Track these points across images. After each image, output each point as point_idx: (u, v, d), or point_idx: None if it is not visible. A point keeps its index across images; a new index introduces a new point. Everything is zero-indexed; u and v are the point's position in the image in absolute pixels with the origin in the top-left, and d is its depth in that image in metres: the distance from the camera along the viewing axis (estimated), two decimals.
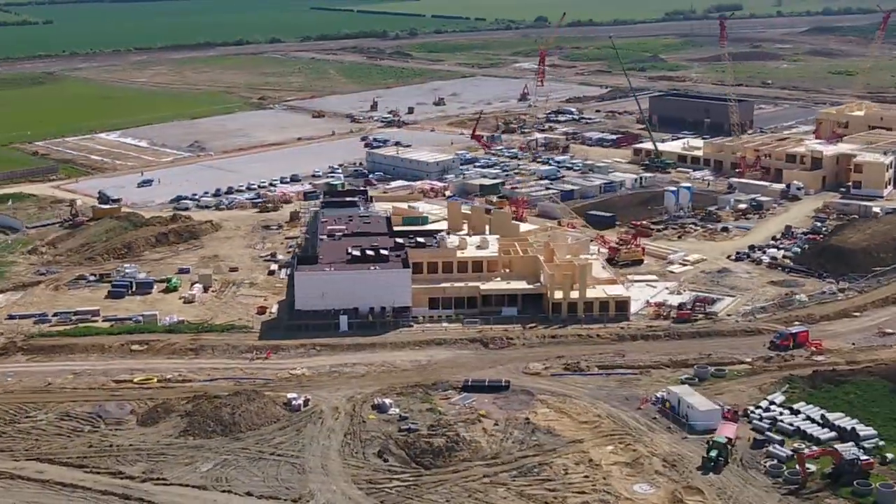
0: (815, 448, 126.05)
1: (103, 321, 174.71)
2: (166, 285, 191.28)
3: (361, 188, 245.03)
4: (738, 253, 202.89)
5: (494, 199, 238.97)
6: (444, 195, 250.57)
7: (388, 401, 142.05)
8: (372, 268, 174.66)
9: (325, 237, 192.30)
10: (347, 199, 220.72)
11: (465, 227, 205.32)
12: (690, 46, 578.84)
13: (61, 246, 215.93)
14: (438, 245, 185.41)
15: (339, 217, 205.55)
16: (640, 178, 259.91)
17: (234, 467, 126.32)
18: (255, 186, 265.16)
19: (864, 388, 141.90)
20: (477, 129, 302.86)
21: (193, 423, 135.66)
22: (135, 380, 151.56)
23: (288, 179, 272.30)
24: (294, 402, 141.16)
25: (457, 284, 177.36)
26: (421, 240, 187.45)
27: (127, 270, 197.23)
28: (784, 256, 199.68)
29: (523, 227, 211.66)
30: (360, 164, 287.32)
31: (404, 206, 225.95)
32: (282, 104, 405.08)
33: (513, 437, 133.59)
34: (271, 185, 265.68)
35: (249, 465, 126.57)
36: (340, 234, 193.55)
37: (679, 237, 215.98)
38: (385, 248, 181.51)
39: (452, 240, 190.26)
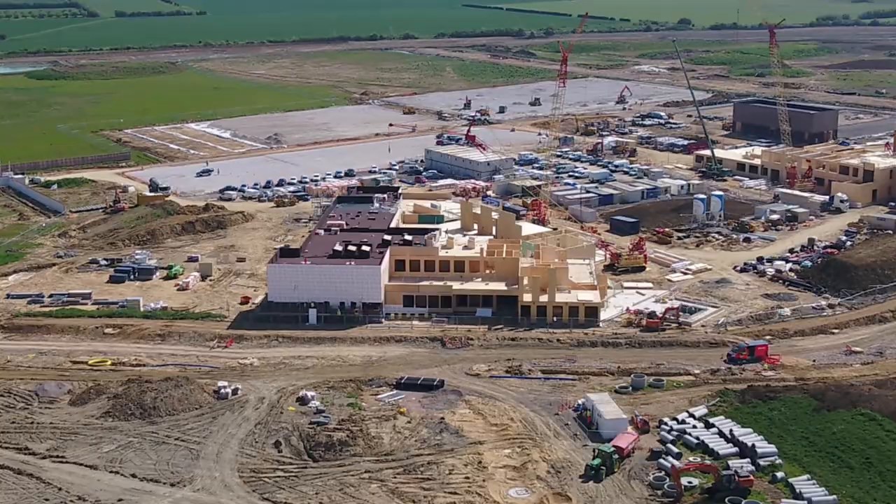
0: (692, 461, 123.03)
1: (92, 304, 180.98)
2: (167, 272, 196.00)
3: (394, 185, 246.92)
4: (745, 264, 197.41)
5: (528, 200, 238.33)
6: (485, 194, 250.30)
7: (311, 394, 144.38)
8: (349, 263, 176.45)
9: (320, 231, 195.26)
10: (364, 195, 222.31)
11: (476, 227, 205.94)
12: (826, 52, 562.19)
13: (91, 231, 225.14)
14: (425, 244, 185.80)
15: (347, 213, 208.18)
16: (688, 185, 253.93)
17: (134, 450, 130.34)
18: (306, 180, 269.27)
19: (790, 406, 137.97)
20: (470, 129, 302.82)
21: (117, 405, 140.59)
22: (89, 362, 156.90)
23: (342, 174, 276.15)
24: (223, 391, 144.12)
25: (433, 283, 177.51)
26: (409, 237, 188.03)
27: (137, 256, 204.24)
28: (791, 270, 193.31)
29: (534, 229, 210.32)
30: (420, 161, 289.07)
31: (428, 204, 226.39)
32: (380, 100, 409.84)
33: (418, 435, 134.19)
34: (318, 179, 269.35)
35: (149, 449, 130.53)
36: (337, 229, 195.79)
37: (697, 245, 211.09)
38: (369, 245, 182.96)
39: (442, 239, 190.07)
